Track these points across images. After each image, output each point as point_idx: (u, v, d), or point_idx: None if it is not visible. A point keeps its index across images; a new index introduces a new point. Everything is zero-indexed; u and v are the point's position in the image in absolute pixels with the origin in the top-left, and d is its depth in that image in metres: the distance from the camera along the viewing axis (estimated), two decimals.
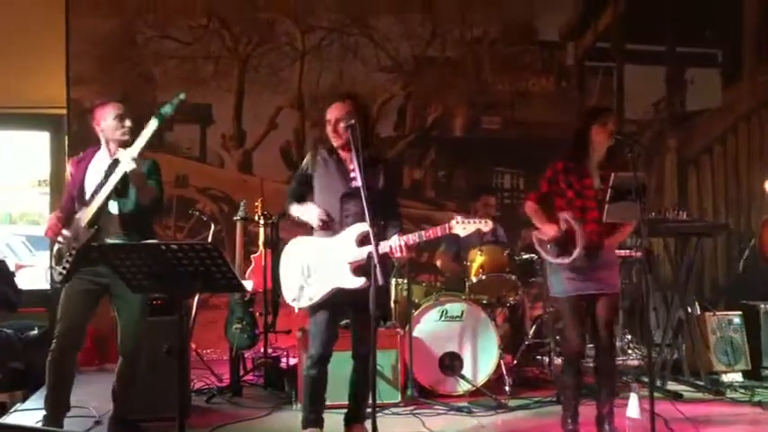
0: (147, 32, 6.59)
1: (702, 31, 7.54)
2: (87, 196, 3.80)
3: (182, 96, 3.70)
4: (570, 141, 3.91)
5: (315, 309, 3.70)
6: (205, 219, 5.77)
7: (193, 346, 5.34)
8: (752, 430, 4.23)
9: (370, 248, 3.48)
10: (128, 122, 3.85)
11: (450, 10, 7.10)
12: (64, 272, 3.76)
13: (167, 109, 3.69)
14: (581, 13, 7.37)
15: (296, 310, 3.76)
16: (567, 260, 3.73)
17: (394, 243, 3.57)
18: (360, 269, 3.61)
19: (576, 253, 3.71)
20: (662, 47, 7.47)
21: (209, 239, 5.41)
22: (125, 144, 3.79)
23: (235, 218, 5.34)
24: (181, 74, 6.60)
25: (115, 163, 3.72)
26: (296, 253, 3.78)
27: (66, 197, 3.98)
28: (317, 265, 3.66)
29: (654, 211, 5.11)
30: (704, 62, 7.59)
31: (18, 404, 4.79)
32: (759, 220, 7.47)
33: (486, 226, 3.61)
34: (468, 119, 7.17)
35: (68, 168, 4.07)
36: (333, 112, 3.68)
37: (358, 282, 3.59)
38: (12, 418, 4.41)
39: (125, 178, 3.67)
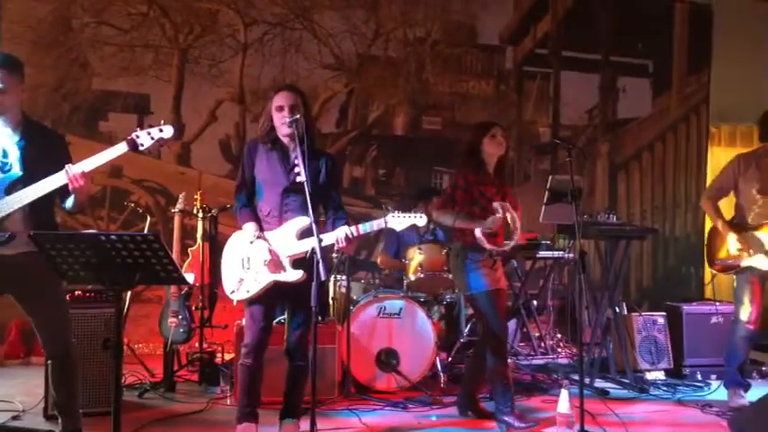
0: (83, 17, 6.37)
1: (635, 43, 7.82)
2: None
3: (164, 134, 3.22)
4: (463, 155, 4.25)
5: (251, 301, 3.70)
6: (140, 211, 5.64)
7: (125, 340, 5.22)
8: (673, 426, 4.41)
9: (309, 242, 3.50)
10: None
11: (394, 9, 7.14)
12: None
13: (144, 141, 3.20)
14: (520, 19, 7.53)
15: (234, 302, 3.76)
16: (508, 245, 4.02)
17: (341, 233, 3.58)
18: (298, 262, 3.63)
19: (515, 237, 3.98)
20: (597, 55, 7.73)
21: (146, 232, 5.30)
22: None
23: (173, 210, 5.25)
24: (118, 62, 6.41)
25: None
26: (237, 245, 3.77)
27: None
28: (257, 257, 3.65)
29: (586, 214, 5.29)
30: (636, 72, 7.88)
31: None
32: (683, 225, 7.86)
33: (420, 221, 3.69)
34: (410, 118, 7.24)
35: None
36: (284, 99, 3.64)
37: (296, 275, 3.60)
38: None
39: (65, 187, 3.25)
